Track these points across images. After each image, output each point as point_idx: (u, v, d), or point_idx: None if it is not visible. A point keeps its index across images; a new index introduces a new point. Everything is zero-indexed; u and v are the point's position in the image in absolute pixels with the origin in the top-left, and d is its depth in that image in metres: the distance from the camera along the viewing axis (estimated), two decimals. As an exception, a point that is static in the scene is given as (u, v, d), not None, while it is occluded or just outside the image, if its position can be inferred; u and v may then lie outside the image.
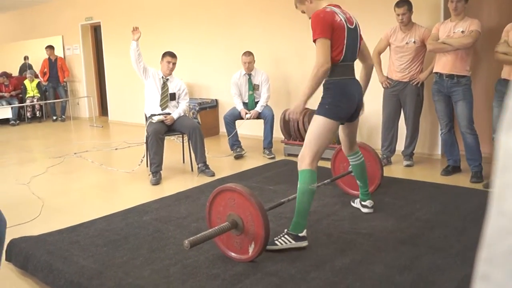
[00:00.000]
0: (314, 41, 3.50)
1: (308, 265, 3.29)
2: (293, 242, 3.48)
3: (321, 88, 3.62)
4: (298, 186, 3.51)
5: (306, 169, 3.51)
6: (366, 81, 4.09)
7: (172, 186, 5.61)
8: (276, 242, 3.49)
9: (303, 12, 3.81)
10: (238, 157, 7.08)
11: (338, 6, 3.71)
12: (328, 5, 3.63)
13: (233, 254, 3.44)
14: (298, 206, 3.50)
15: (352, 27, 3.64)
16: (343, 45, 3.55)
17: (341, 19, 3.54)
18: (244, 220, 3.32)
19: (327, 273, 3.16)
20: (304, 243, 3.50)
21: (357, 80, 3.82)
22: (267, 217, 3.23)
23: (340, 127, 4.05)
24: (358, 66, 3.82)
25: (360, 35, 3.80)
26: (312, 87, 3.47)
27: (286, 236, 3.50)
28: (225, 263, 3.36)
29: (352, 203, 4.56)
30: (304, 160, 3.54)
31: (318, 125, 3.57)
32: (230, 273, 3.21)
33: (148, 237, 3.89)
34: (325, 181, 4.56)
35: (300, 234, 3.49)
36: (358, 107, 3.82)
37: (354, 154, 4.25)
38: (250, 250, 3.32)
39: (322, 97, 3.66)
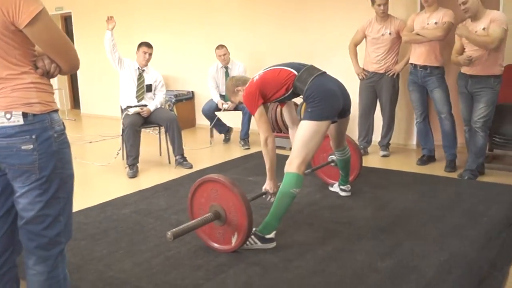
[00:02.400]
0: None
1: (291, 254, 3.32)
2: (259, 243, 3.44)
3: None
4: (281, 187, 3.49)
5: (293, 173, 3.49)
6: None
7: (149, 178, 5.58)
8: None
9: (240, 103, 4.19)
10: (227, 140, 7.52)
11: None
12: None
13: (216, 245, 3.45)
14: (275, 207, 3.47)
15: (275, 64, 3.87)
16: (280, 70, 3.73)
17: (258, 74, 3.82)
18: (226, 211, 3.32)
19: (309, 262, 3.20)
20: (271, 245, 3.45)
21: (328, 75, 3.81)
22: (250, 208, 3.24)
23: (332, 125, 4.05)
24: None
25: None
26: (270, 162, 3.76)
27: (252, 236, 3.44)
28: (207, 254, 3.36)
29: (330, 188, 4.67)
30: (291, 164, 3.52)
31: (304, 129, 3.56)
32: (213, 264, 3.22)
33: (128, 230, 3.87)
34: (306, 171, 4.58)
35: (267, 236, 3.44)
36: (346, 103, 3.82)
37: (342, 150, 4.30)
38: (233, 240, 3.33)
39: (306, 107, 3.67)
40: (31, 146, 2.00)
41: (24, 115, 1.98)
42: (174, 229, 3.14)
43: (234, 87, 4.04)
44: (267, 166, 3.77)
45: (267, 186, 3.86)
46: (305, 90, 3.60)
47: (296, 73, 3.66)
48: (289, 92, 3.73)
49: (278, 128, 6.74)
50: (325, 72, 3.78)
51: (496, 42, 4.72)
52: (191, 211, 3.56)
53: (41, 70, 2.04)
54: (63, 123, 2.17)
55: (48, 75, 2.08)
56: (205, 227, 3.44)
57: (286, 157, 3.65)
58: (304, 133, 3.55)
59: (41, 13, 1.92)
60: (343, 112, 3.85)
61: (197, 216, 3.46)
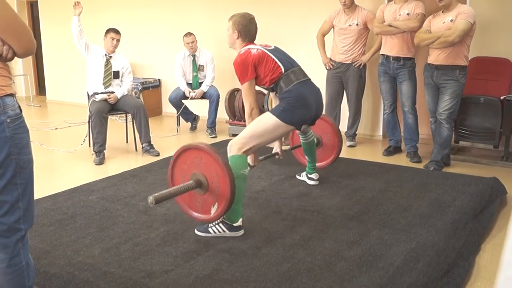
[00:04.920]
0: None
1: (259, 242, 3.32)
2: (227, 231, 3.43)
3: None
4: None
5: (236, 155, 3.44)
6: None
7: (116, 165, 5.53)
8: (210, 230, 3.44)
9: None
10: (194, 129, 7.52)
11: (252, 43, 3.79)
12: (243, 46, 3.75)
13: (194, 213, 3.42)
14: None
15: (272, 48, 3.77)
16: (273, 61, 3.64)
17: (257, 49, 3.66)
18: (209, 180, 3.28)
19: (278, 249, 3.21)
20: (239, 233, 3.44)
21: (311, 83, 3.79)
22: (234, 179, 3.21)
23: None
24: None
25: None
26: None
27: (220, 224, 3.44)
28: (176, 241, 3.35)
29: (298, 176, 4.69)
30: (234, 147, 3.46)
31: (267, 122, 3.54)
32: (181, 250, 3.21)
33: (96, 216, 3.83)
34: (286, 149, 4.60)
35: (235, 224, 3.43)
36: (317, 112, 3.80)
37: (305, 133, 4.30)
38: (213, 210, 3.29)
39: (278, 104, 3.66)
40: None
41: None
42: (156, 194, 3.10)
43: (236, 26, 3.75)
44: None
45: (250, 161, 3.77)
46: (285, 91, 3.59)
47: (283, 70, 3.62)
48: (270, 86, 3.69)
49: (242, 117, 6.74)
50: (309, 79, 3.77)
51: (457, 33, 4.84)
52: (171, 177, 3.50)
53: None
54: (19, 107, 2.12)
55: (1, 58, 2.03)
56: (185, 195, 3.39)
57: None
58: (266, 124, 3.53)
59: None
60: (314, 120, 3.86)
61: (178, 182, 3.42)
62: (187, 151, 3.40)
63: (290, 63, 3.71)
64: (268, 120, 3.54)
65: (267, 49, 3.69)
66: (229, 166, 3.24)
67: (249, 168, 3.53)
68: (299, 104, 3.57)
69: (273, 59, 3.64)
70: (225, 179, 3.19)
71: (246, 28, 3.73)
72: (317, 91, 3.80)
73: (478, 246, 3.43)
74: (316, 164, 4.56)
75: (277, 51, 3.76)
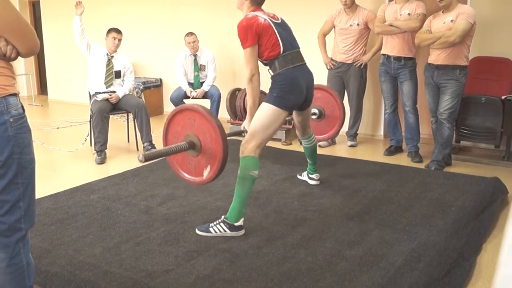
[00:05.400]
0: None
1: (260, 241, 3.32)
2: (228, 231, 3.42)
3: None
4: (239, 172, 3.44)
5: (249, 156, 3.45)
6: None
7: (117, 165, 5.53)
8: (211, 229, 3.44)
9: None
10: None
11: (261, 10, 3.72)
12: (253, 10, 3.67)
13: (186, 175, 3.43)
14: (238, 192, 3.44)
15: (279, 21, 3.70)
16: (275, 37, 3.58)
17: (265, 19, 3.58)
18: (202, 142, 3.27)
19: (279, 249, 3.21)
20: (240, 233, 3.44)
21: (306, 67, 3.79)
22: (227, 141, 3.20)
23: (294, 114, 4.09)
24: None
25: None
26: (253, 100, 3.59)
27: (222, 224, 3.43)
28: (177, 240, 3.35)
29: (299, 176, 4.69)
30: (247, 147, 3.48)
31: (266, 113, 3.53)
32: (182, 250, 3.21)
33: (97, 215, 3.83)
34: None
35: (236, 224, 3.42)
36: (308, 97, 3.80)
37: (308, 137, 4.31)
38: (205, 173, 3.29)
39: (270, 88, 3.63)
40: None
41: None
42: (146, 152, 3.10)
43: None
44: (249, 104, 3.63)
45: (246, 125, 3.74)
46: (277, 73, 3.59)
47: (281, 50, 3.58)
48: (264, 61, 3.66)
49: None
50: (304, 64, 3.76)
51: (457, 33, 4.84)
52: (165, 138, 3.51)
53: None
54: (22, 106, 2.12)
55: (5, 58, 2.03)
56: (177, 156, 3.39)
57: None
58: (267, 116, 3.52)
59: None
60: (304, 104, 3.85)
61: (171, 143, 3.42)
62: (182, 112, 3.39)
63: (290, 44, 3.68)
64: (266, 110, 3.54)
65: (274, 22, 3.63)
66: (222, 127, 3.24)
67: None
68: (291, 89, 3.57)
69: (276, 36, 3.58)
70: (217, 140, 3.18)
71: None
72: (310, 76, 3.81)
73: (479, 246, 3.42)
74: (319, 136, 4.57)
75: (282, 26, 3.71)
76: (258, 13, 3.62)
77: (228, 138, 3.38)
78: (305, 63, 3.77)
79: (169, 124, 3.47)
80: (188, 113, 3.34)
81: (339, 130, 4.84)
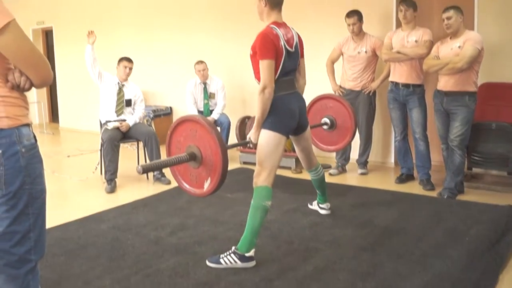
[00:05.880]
0: (255, 59, 3.58)
1: (272, 273, 3.28)
2: (239, 262, 3.39)
3: None
4: (252, 202, 3.46)
5: (262, 186, 3.49)
6: None
7: (127, 194, 5.52)
8: (221, 260, 3.42)
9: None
10: None
11: (284, 25, 3.71)
12: (275, 23, 3.63)
13: (188, 186, 3.42)
14: (250, 222, 3.43)
15: (292, 50, 3.68)
16: (278, 65, 3.57)
17: (281, 45, 3.56)
18: (203, 153, 3.26)
19: (291, 281, 3.16)
20: (251, 264, 3.41)
21: (298, 94, 3.83)
22: (226, 153, 3.19)
23: (294, 143, 4.10)
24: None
25: (301, 53, 3.85)
26: (262, 111, 3.54)
27: (232, 255, 3.41)
28: (187, 272, 3.31)
29: (310, 205, 4.65)
30: (259, 177, 3.52)
31: (266, 140, 3.56)
32: (192, 282, 3.17)
33: (106, 245, 3.81)
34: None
35: (247, 254, 3.40)
36: (301, 121, 3.82)
37: (315, 169, 4.28)
38: (206, 185, 3.27)
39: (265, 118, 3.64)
40: None
41: None
42: (144, 163, 3.08)
43: None
44: (257, 115, 3.56)
45: (252, 136, 3.67)
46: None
47: (276, 76, 3.56)
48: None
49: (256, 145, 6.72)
50: (297, 91, 3.80)
51: (465, 60, 4.82)
52: (168, 148, 3.50)
53: (10, 84, 2.00)
54: (34, 136, 2.11)
55: (18, 88, 2.03)
56: (180, 167, 3.37)
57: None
58: (267, 144, 3.55)
59: (9, 25, 1.88)
60: (299, 128, 3.85)
61: (174, 154, 3.40)
62: (184, 123, 3.39)
63: (287, 73, 3.67)
64: (265, 137, 3.57)
65: (287, 50, 3.61)
66: (222, 140, 3.23)
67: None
68: (284, 114, 3.60)
69: (280, 64, 3.57)
70: (217, 152, 3.17)
71: None
72: (302, 102, 3.84)
73: (496, 277, 3.34)
74: (330, 147, 4.53)
75: (292, 56, 3.69)
76: (280, 31, 3.59)
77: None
78: (297, 91, 3.81)
79: (172, 134, 3.47)
80: (190, 124, 3.35)
81: (350, 141, 4.82)
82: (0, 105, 1.97)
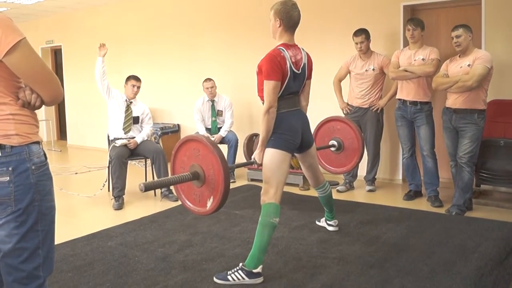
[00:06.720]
0: (260, 77, 3.61)
1: (279, 290, 3.27)
2: (246, 279, 3.38)
3: None
4: (260, 219, 3.47)
5: (269, 203, 3.50)
6: None
7: (135, 211, 5.53)
8: (229, 277, 3.41)
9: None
10: None
11: (294, 46, 3.71)
12: (284, 44, 3.64)
13: (191, 205, 3.43)
14: (258, 239, 3.43)
15: (298, 72, 3.68)
16: (282, 86, 3.57)
17: (287, 67, 3.57)
18: (206, 173, 3.27)
19: (299, 298, 3.15)
20: (258, 280, 3.40)
21: (301, 111, 3.84)
22: (229, 173, 3.19)
23: (300, 161, 4.11)
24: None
25: (309, 75, 3.84)
26: (267, 131, 3.56)
27: (240, 271, 3.41)
28: (195, 288, 3.31)
29: (318, 222, 4.64)
30: (267, 194, 3.54)
31: (271, 158, 3.58)
32: (200, 299, 3.16)
33: (114, 262, 3.80)
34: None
35: (254, 271, 3.39)
36: (305, 138, 3.82)
37: (322, 187, 4.26)
38: (208, 204, 3.28)
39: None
40: (7, 178, 1.97)
41: (2, 147, 1.96)
42: (146, 182, 3.08)
43: (278, 14, 3.62)
44: (261, 136, 3.60)
45: (256, 156, 3.69)
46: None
47: (279, 94, 3.57)
48: (263, 101, 3.63)
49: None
50: (299, 109, 3.81)
51: (475, 78, 4.84)
52: (172, 166, 3.51)
53: (21, 101, 2.02)
54: (44, 154, 2.13)
55: (29, 106, 2.05)
56: (183, 186, 3.39)
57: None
58: (272, 161, 3.56)
59: (20, 43, 1.91)
60: (304, 146, 3.86)
61: (178, 172, 3.42)
62: (187, 143, 3.42)
63: (289, 92, 3.66)
64: (269, 155, 3.58)
65: (293, 72, 3.62)
66: (225, 160, 3.23)
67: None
68: (286, 131, 3.60)
69: (285, 83, 3.58)
70: (219, 171, 3.17)
71: (288, 15, 3.61)
72: (305, 119, 3.84)
73: (505, 294, 3.34)
74: (338, 169, 4.52)
75: (298, 77, 3.69)
76: (288, 53, 3.60)
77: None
78: (299, 109, 3.82)
79: (176, 153, 3.50)
80: (193, 144, 3.38)
81: (358, 163, 4.83)
82: (11, 123, 1.99)
